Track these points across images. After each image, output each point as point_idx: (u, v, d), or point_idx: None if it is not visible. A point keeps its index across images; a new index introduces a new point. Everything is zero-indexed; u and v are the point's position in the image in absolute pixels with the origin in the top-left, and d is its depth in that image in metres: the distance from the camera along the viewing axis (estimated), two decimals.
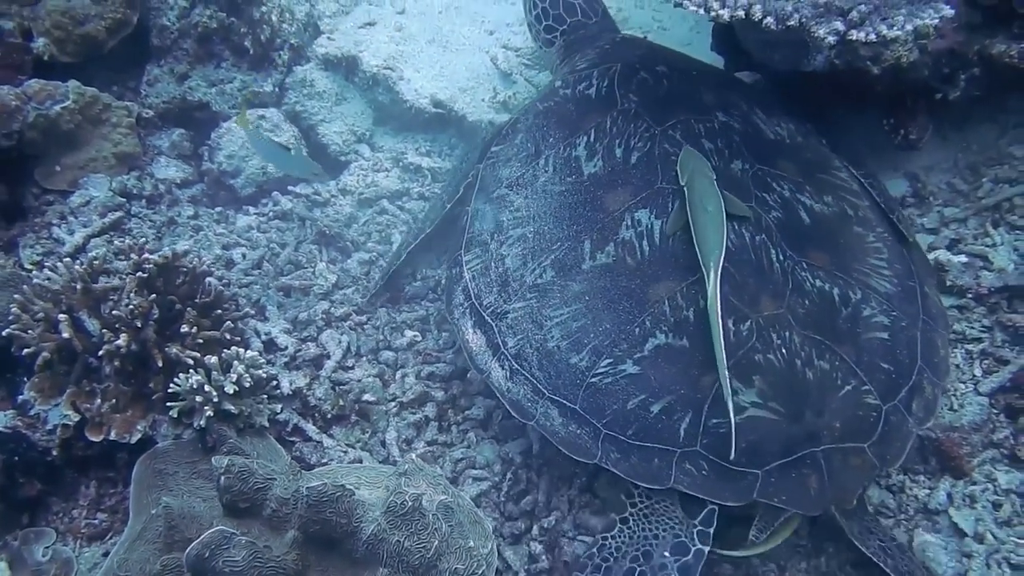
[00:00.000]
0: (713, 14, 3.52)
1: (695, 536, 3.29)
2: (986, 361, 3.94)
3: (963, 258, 4.16)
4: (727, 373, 3.14)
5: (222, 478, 3.04)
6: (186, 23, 5.19)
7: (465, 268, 3.88)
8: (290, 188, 5.00)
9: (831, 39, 3.35)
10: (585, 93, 4.15)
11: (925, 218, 4.44)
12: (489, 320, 3.72)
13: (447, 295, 3.96)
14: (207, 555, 2.74)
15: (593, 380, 3.41)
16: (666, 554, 3.27)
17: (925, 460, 3.78)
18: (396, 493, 3.00)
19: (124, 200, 4.74)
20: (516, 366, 3.59)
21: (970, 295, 4.09)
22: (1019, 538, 3.48)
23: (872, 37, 3.29)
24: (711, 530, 3.29)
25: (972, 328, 4.03)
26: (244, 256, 4.59)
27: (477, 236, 3.93)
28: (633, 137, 3.86)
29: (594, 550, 3.39)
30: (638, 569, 3.28)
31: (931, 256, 4.15)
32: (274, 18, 5.31)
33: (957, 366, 3.96)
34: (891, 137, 4.35)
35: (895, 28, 3.28)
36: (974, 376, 3.92)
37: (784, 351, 3.33)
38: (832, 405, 3.30)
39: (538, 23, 4.89)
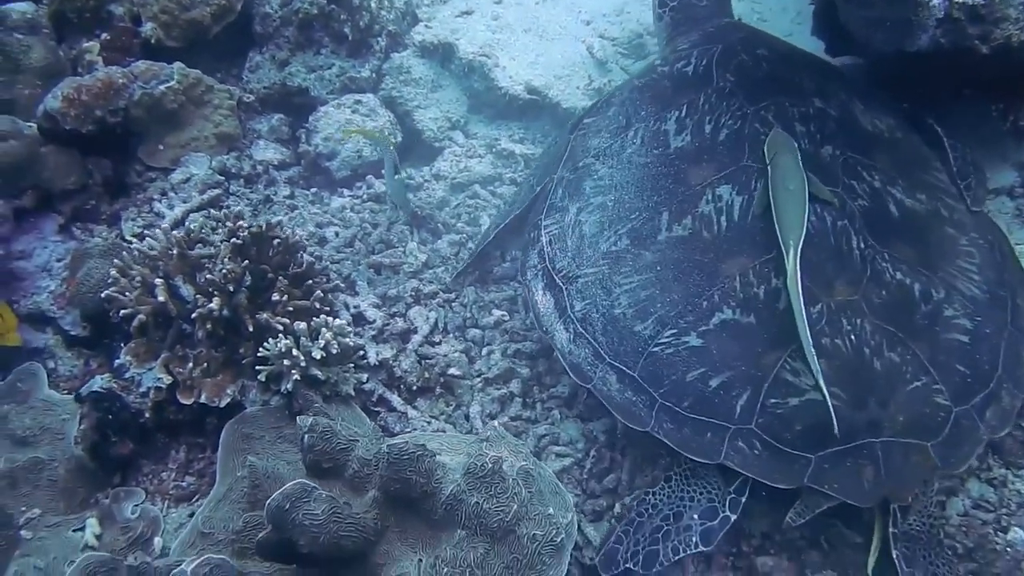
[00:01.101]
0: None
1: (727, 503, 3.28)
2: None
3: None
4: (813, 351, 3.08)
5: (306, 437, 3.06)
6: (288, 10, 5.26)
7: (543, 232, 3.91)
8: (384, 172, 5.03)
9: (937, 2, 3.22)
10: (682, 71, 4.12)
11: None
12: (560, 283, 3.72)
13: (522, 257, 3.99)
14: (287, 507, 2.73)
15: (655, 349, 3.38)
16: (695, 516, 3.30)
17: None
18: (477, 456, 2.97)
19: (223, 178, 4.86)
20: (581, 329, 3.58)
21: None
22: None
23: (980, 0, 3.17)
24: (743, 499, 3.27)
25: None
26: (337, 234, 4.62)
27: (558, 202, 3.94)
28: (724, 115, 3.82)
29: (635, 503, 3.43)
30: (665, 527, 3.31)
31: None
32: (373, 5, 5.36)
33: None
34: (1000, 124, 4.18)
35: None
36: None
37: (853, 337, 3.25)
38: (898, 398, 3.20)
39: None
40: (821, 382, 3.05)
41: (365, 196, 4.94)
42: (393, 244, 4.61)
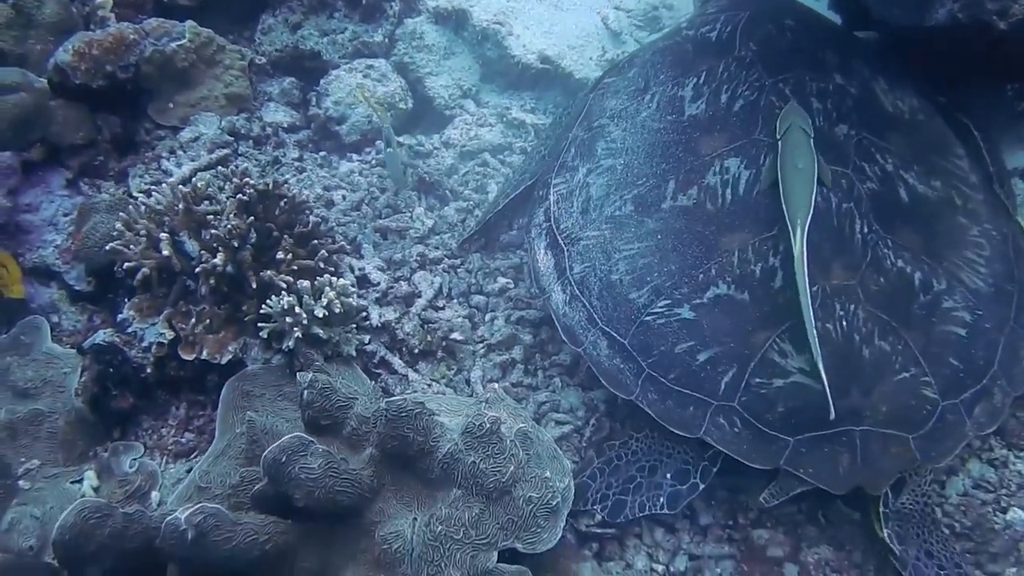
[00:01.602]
0: None
1: (699, 470, 3.31)
2: None
3: None
4: (815, 333, 3.04)
5: (305, 392, 3.04)
6: None
7: (552, 190, 3.89)
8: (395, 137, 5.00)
9: None
10: (706, 36, 4.06)
11: None
12: (562, 244, 3.72)
13: (529, 214, 3.98)
14: (284, 460, 2.72)
15: (647, 319, 3.37)
16: (668, 476, 3.35)
17: None
18: (475, 415, 2.96)
19: (232, 139, 4.84)
20: (577, 292, 3.59)
21: None
22: None
23: None
24: (715, 469, 3.30)
25: None
26: (344, 198, 4.61)
27: (570, 162, 3.92)
28: (742, 85, 3.77)
29: (617, 444, 3.53)
30: (639, 478, 3.38)
31: None
32: None
33: None
34: (1015, 104, 4.13)
35: None
36: None
37: (844, 323, 3.21)
38: (883, 388, 3.16)
39: None
40: (820, 365, 3.01)
41: (374, 161, 4.93)
42: (400, 209, 4.60)
